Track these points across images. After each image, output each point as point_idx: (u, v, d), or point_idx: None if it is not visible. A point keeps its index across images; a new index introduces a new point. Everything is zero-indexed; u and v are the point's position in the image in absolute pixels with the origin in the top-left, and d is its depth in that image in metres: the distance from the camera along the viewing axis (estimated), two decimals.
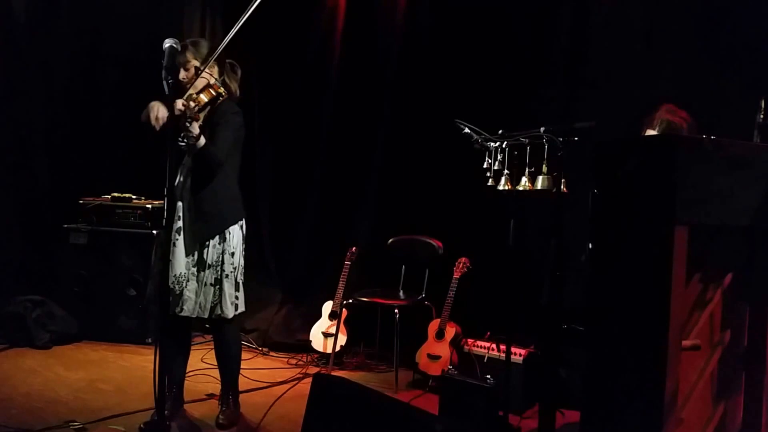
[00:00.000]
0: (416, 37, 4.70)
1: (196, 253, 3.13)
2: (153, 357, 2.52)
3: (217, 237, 3.16)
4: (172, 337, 3.21)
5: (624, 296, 2.28)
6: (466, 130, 3.10)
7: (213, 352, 3.52)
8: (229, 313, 3.19)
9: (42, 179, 5.19)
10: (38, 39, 5.12)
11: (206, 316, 3.15)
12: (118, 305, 4.65)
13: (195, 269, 3.14)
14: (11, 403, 3.46)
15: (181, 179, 3.17)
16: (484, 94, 4.28)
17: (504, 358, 3.23)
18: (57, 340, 4.55)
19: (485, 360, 3.76)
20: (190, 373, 3.92)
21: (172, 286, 3.09)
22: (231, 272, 3.19)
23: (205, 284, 3.14)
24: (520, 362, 3.62)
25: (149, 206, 4.74)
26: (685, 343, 2.14)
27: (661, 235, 2.12)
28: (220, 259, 3.16)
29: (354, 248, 4.52)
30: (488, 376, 3.15)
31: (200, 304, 3.13)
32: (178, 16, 5.28)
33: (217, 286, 3.16)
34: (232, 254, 3.19)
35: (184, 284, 3.12)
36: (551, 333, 2.94)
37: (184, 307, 3.12)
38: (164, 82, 2.57)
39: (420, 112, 4.59)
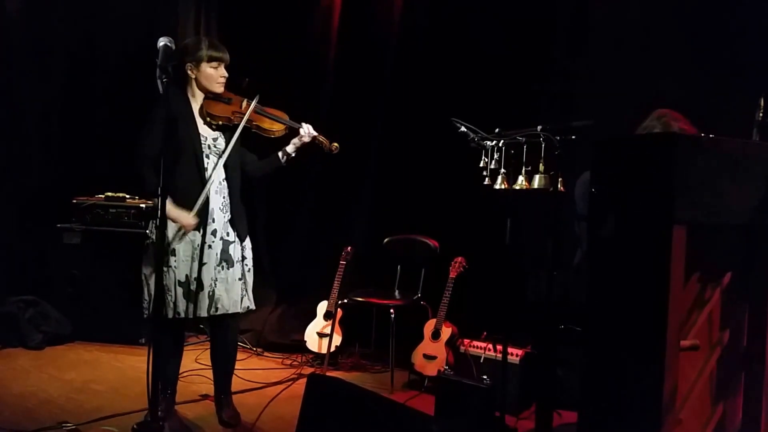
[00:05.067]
0: (412, 35, 4.68)
1: (220, 252, 3.19)
2: (146, 358, 2.50)
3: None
4: (167, 338, 3.19)
5: (622, 296, 2.26)
6: (463, 128, 3.08)
7: (207, 352, 3.49)
8: (253, 304, 3.34)
9: (35, 178, 5.14)
10: (32, 37, 5.08)
11: (239, 309, 3.26)
12: (111, 306, 4.61)
13: (221, 267, 3.19)
14: (3, 404, 3.43)
15: (210, 184, 3.20)
16: (480, 93, 4.25)
17: (500, 359, 3.21)
18: (50, 341, 4.51)
19: (482, 360, 3.74)
20: (185, 374, 3.90)
21: (208, 288, 3.15)
22: (251, 267, 3.33)
23: (235, 280, 3.24)
24: (517, 363, 3.60)
25: (143, 206, 4.69)
26: (684, 343, 2.13)
27: (660, 234, 2.10)
28: (242, 254, 3.29)
29: (349, 248, 4.49)
30: (485, 377, 3.13)
31: (233, 300, 3.23)
32: (173, 14, 5.26)
33: (243, 280, 3.28)
34: (248, 248, 3.33)
35: (214, 284, 3.17)
36: (548, 333, 2.93)
37: (218, 306, 3.19)
38: (158, 81, 2.59)
39: (416, 111, 4.56)
